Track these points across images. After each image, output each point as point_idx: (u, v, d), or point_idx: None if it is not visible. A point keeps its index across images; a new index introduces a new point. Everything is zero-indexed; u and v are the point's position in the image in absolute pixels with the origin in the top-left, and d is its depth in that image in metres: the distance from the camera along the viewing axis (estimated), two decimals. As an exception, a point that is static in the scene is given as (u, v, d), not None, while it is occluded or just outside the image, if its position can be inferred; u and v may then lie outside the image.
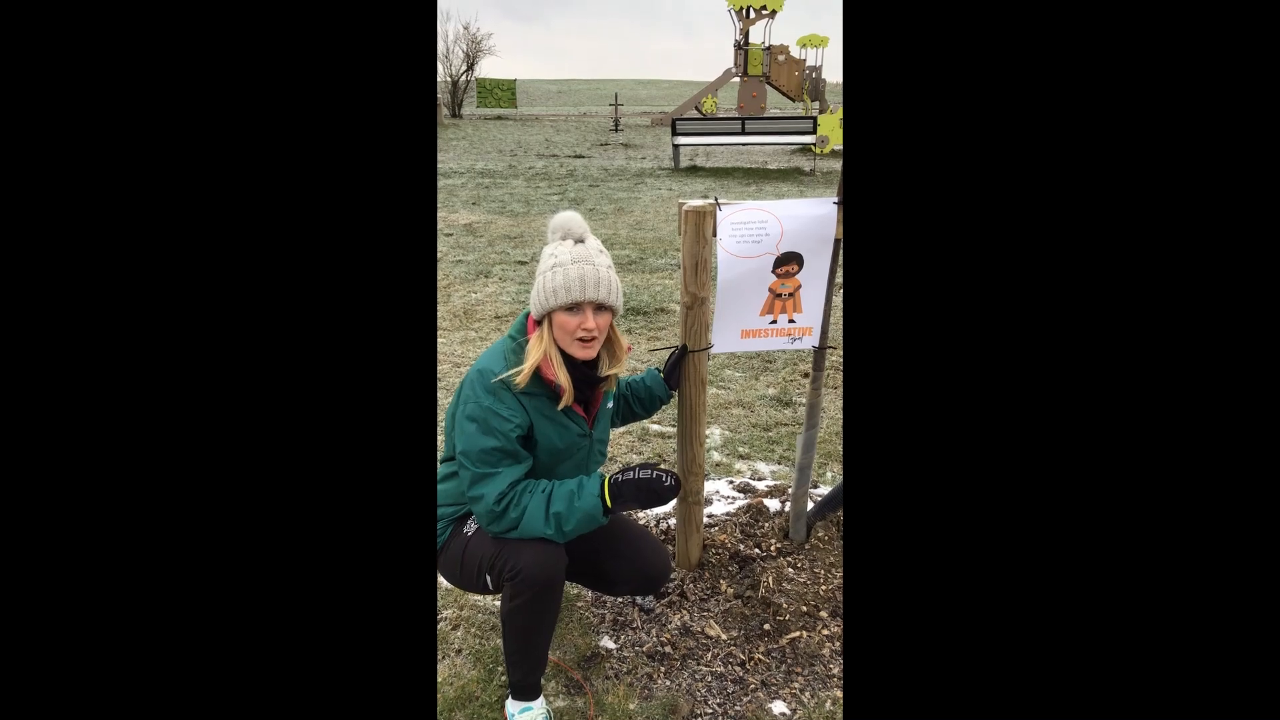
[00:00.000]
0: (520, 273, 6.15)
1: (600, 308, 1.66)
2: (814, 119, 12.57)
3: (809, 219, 1.99)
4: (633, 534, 1.91)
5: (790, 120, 13.45)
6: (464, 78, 29.53)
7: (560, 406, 1.70)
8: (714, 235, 1.99)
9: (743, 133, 12.60)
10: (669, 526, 2.48)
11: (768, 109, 24.93)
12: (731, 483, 2.86)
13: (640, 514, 2.62)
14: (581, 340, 1.66)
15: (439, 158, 15.20)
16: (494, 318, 5.04)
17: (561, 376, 1.66)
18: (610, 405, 1.88)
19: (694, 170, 13.24)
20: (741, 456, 3.15)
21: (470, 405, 1.64)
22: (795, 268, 2.04)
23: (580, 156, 16.15)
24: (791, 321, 2.11)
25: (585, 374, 1.73)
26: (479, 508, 1.62)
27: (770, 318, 2.10)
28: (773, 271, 2.03)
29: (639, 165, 14.03)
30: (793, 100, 27.22)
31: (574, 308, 1.64)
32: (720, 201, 1.99)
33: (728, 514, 2.54)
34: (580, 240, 1.68)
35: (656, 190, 10.94)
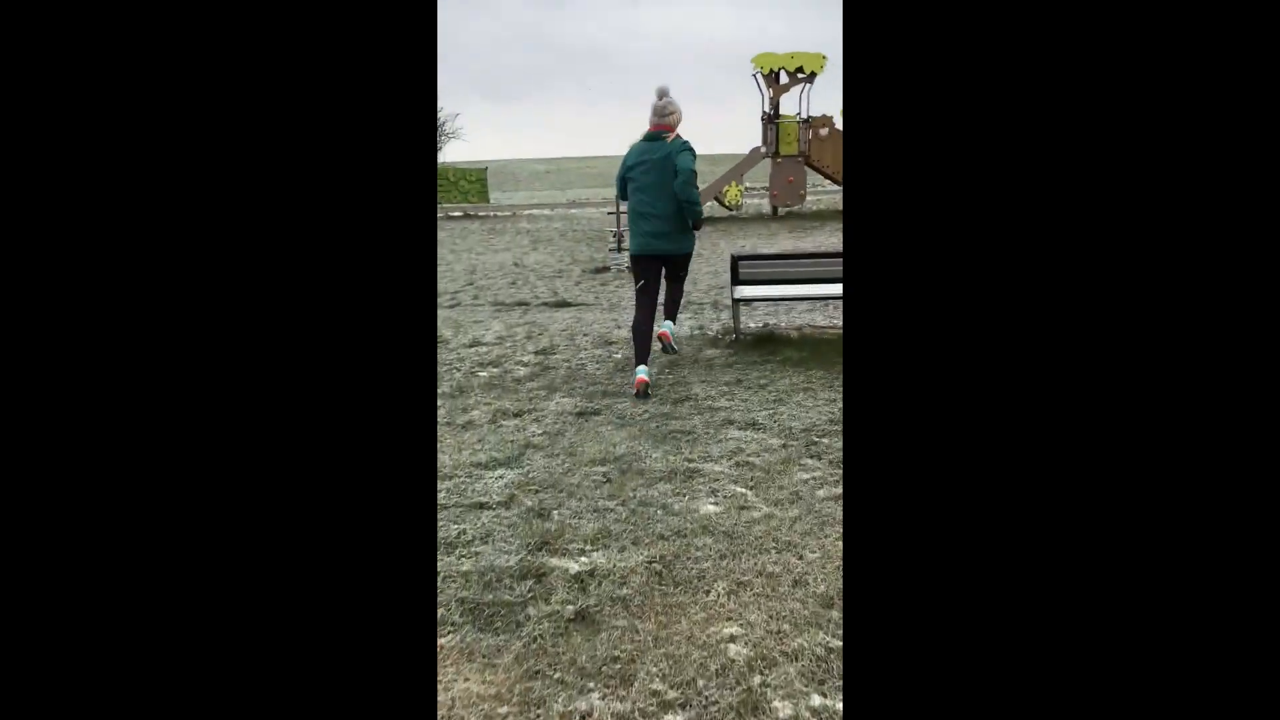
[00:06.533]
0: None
1: None
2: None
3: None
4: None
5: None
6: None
7: None
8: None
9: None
10: None
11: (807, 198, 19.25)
12: None
13: None
14: None
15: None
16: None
17: None
18: None
19: (772, 341, 7.17)
20: None
21: (691, 154, 5.24)
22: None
23: (563, 304, 9.79)
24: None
25: None
26: (694, 187, 5.22)
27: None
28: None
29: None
30: (839, 185, 21.58)
31: None
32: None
33: None
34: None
35: (734, 434, 4.71)
